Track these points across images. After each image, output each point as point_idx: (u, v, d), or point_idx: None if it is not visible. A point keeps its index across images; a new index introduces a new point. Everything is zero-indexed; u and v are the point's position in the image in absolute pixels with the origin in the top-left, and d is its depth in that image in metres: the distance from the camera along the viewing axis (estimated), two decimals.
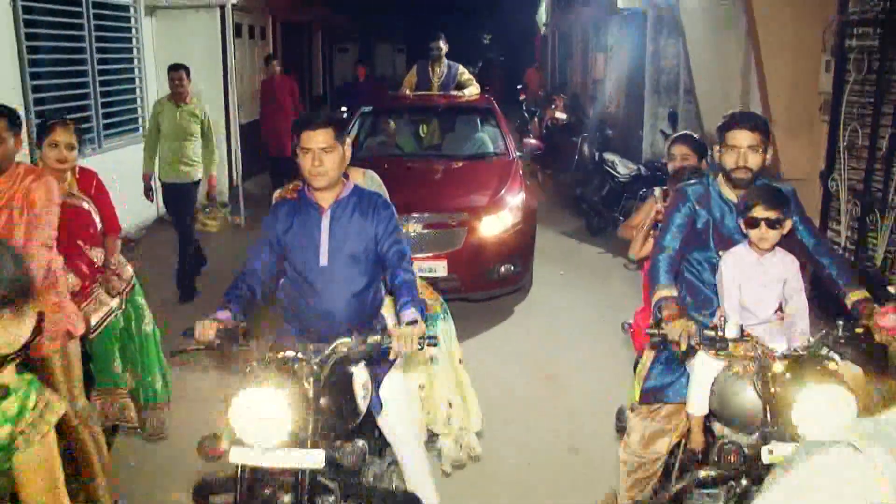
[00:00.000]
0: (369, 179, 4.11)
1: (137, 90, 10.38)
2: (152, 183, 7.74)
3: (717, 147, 3.37)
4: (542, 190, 11.59)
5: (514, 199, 7.23)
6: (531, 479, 4.49)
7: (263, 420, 2.59)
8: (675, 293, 3.27)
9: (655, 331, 3.07)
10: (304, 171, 3.19)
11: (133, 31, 10.34)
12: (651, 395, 3.60)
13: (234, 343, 2.90)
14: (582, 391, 5.59)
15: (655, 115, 12.40)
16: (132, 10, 10.29)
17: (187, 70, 7.70)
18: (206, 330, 2.91)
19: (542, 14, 24.74)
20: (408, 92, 9.26)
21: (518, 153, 8.28)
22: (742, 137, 3.23)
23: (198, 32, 11.17)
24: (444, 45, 9.27)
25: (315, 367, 2.78)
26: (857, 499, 1.25)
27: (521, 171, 7.82)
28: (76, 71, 8.81)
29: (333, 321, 3.17)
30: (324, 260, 3.23)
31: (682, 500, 3.25)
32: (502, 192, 7.26)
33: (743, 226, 3.20)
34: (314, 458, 2.64)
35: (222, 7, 11.07)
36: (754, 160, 3.25)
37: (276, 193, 4.13)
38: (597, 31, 17.62)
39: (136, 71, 10.40)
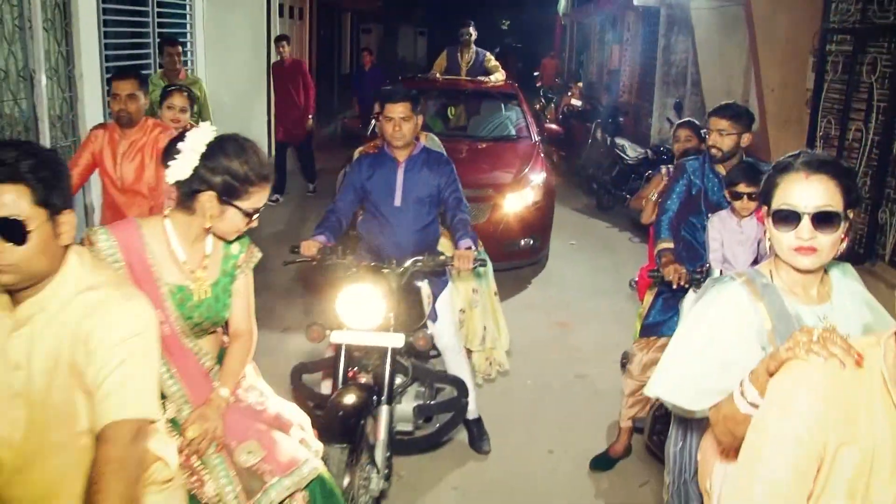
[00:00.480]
0: (431, 140, 5.09)
1: (189, 62, 11.29)
2: None
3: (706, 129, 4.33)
4: (556, 170, 12.50)
5: (536, 179, 7.82)
6: (545, 395, 5.48)
7: (363, 307, 3.57)
8: (672, 245, 4.24)
9: (657, 272, 4.07)
10: (386, 134, 4.17)
11: (187, 7, 11.26)
12: (650, 330, 4.50)
13: (333, 256, 3.88)
14: (589, 335, 6.56)
15: (664, 105, 13.20)
16: None
17: (183, 45, 7.41)
18: (311, 246, 3.89)
19: (563, 4, 25.49)
20: (437, 75, 9.83)
21: (539, 136, 8.91)
22: (715, 122, 4.15)
23: (245, 11, 12.05)
24: (473, 32, 9.73)
25: (398, 275, 3.77)
26: (735, 324, 2.20)
27: (542, 153, 8.45)
28: (140, 43, 9.71)
29: (402, 248, 4.11)
30: (398, 201, 4.21)
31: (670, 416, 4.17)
32: (525, 171, 7.86)
33: (728, 197, 4.12)
34: (397, 339, 3.63)
35: None
36: (722, 142, 4.13)
37: (359, 150, 5.12)
38: (613, 24, 18.41)
39: (189, 45, 11.32)
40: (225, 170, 2.48)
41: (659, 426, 4.26)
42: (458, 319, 4.76)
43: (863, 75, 6.27)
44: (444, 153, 4.67)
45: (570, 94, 16.45)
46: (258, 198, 2.56)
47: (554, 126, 11.83)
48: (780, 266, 2.22)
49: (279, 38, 11.24)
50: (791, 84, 7.65)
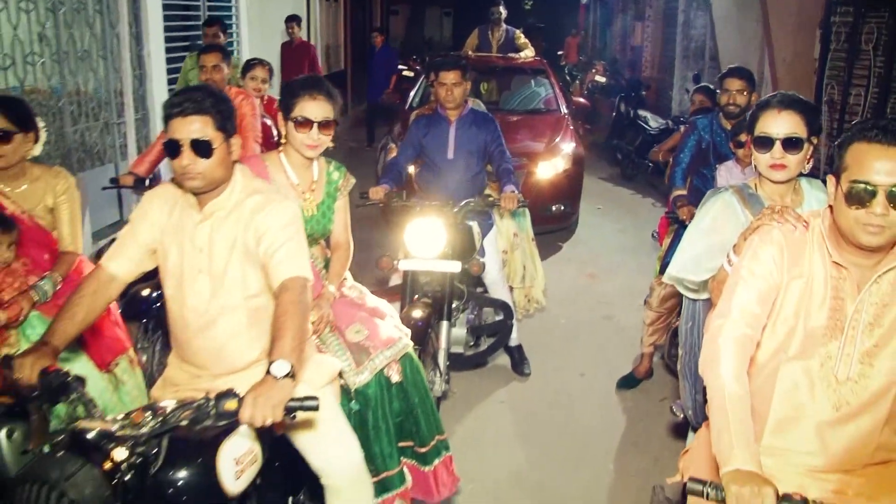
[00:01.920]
0: (477, 104, 5.79)
1: (235, 44, 11.98)
2: None
3: (720, 91, 4.99)
4: (583, 142, 13.11)
5: (566, 148, 8.36)
6: (577, 331, 6.23)
7: (427, 238, 4.29)
8: (685, 192, 4.92)
9: (673, 214, 4.76)
10: (439, 97, 4.87)
11: None
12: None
13: (398, 199, 4.59)
14: (614, 284, 7.27)
15: (684, 78, 13.73)
16: None
17: (223, 25, 7.67)
18: (378, 192, 4.60)
19: None
20: (470, 53, 10.28)
21: (567, 109, 9.43)
22: (731, 83, 4.81)
23: None
24: (503, 11, 10.32)
25: (453, 213, 4.48)
26: (728, 220, 2.91)
27: (571, 125, 8.99)
28: (192, 25, 10.39)
29: (454, 195, 4.81)
30: (450, 154, 4.92)
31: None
32: (556, 141, 8.40)
33: (732, 146, 4.78)
34: (455, 266, 4.34)
35: None
36: (741, 99, 4.80)
37: (416, 112, 5.83)
38: (635, 2, 18.98)
39: (234, 28, 12.01)
40: (284, 92, 3.24)
41: (674, 350, 4.92)
42: (502, 259, 5.46)
43: (863, 44, 6.88)
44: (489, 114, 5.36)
45: (594, 70, 17.05)
46: (304, 107, 3.16)
47: (581, 100, 12.38)
48: (762, 180, 2.93)
49: (290, 18, 11.16)
50: (801, 54, 8.25)
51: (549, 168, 8.12)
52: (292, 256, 2.56)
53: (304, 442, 2.77)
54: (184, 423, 2.09)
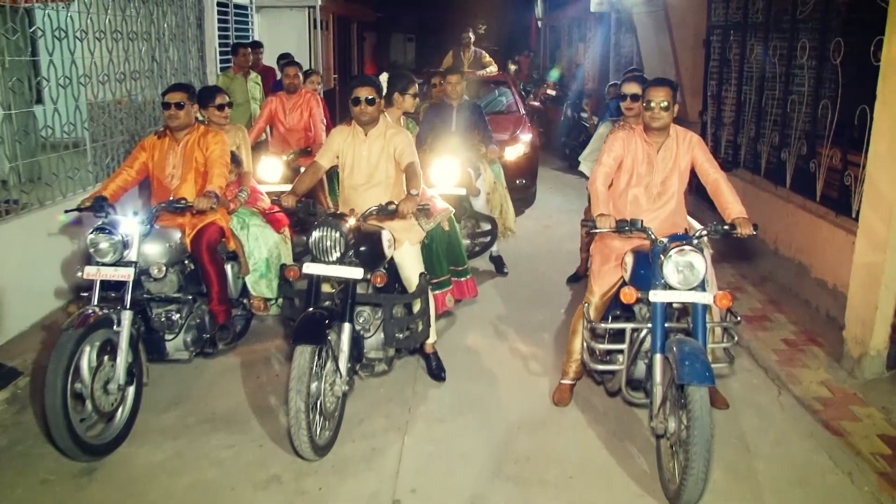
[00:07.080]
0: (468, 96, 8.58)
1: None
2: None
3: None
4: (539, 139, 15.94)
5: (525, 137, 11.09)
6: (537, 255, 9.05)
7: (446, 171, 7.02)
8: None
9: None
10: (447, 91, 7.64)
11: (249, 23, 14.67)
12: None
13: (427, 150, 7.34)
14: (563, 229, 10.11)
15: None
16: (249, 8, 14.63)
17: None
18: None
19: (538, 10, 29.15)
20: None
21: (525, 110, 12.26)
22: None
23: (291, 24, 15.55)
24: (472, 35, 13.06)
25: (460, 160, 7.23)
26: (604, 132, 5.78)
27: (528, 122, 11.80)
28: (227, 50, 13.04)
29: (457, 154, 7.55)
30: (453, 129, 7.69)
31: None
32: (517, 132, 11.13)
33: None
34: (463, 190, 7.07)
35: (310, 7, 15.59)
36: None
37: (427, 103, 8.61)
38: (578, 27, 21.98)
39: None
40: (401, 80, 5.82)
41: None
42: (486, 199, 8.22)
43: (729, 56, 9.75)
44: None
45: (545, 85, 20.01)
46: (414, 89, 5.80)
47: (536, 103, 15.09)
48: (626, 117, 5.77)
49: (256, 45, 11.36)
50: (696, 64, 11.07)
51: (513, 152, 10.80)
52: (411, 154, 5.23)
53: (402, 264, 5.39)
54: (374, 213, 4.82)
